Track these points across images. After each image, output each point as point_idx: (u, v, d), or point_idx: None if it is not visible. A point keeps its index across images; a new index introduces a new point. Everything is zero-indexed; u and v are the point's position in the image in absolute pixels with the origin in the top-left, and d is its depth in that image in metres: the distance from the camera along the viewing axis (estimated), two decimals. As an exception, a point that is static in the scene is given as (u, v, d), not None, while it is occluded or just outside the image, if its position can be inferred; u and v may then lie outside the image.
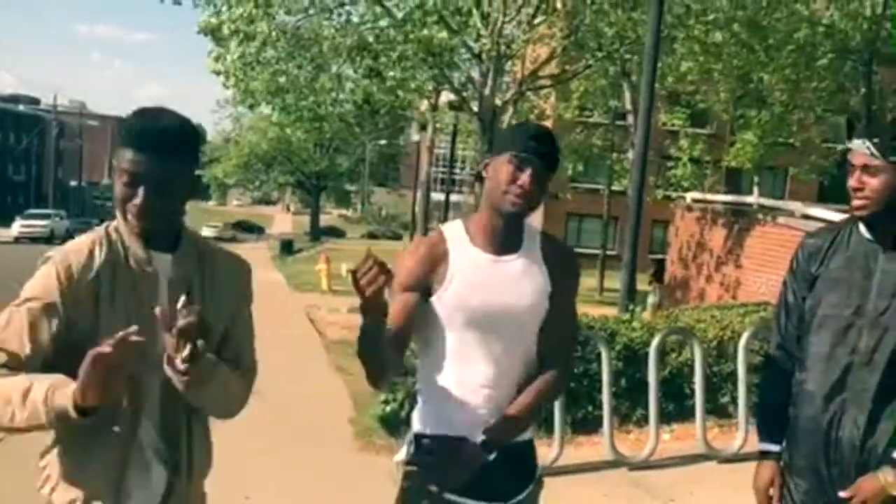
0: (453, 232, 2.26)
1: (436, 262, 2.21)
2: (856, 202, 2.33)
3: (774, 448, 2.52)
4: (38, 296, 1.86)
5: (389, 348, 2.08)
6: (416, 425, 2.29)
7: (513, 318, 2.20)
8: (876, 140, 2.30)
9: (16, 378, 1.78)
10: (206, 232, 52.41)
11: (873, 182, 2.30)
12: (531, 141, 2.15)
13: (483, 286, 2.19)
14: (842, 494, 2.32)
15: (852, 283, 2.36)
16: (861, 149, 2.31)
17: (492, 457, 2.14)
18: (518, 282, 2.22)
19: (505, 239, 2.22)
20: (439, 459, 2.13)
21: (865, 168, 2.30)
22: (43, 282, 1.87)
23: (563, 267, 2.27)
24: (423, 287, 2.19)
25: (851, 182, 2.33)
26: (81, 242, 1.94)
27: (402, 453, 2.28)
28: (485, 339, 2.18)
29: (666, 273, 16.22)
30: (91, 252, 1.91)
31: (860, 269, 2.36)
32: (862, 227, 2.40)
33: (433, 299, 2.18)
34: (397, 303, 2.16)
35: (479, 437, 2.13)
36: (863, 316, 2.33)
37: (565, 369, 2.37)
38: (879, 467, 2.30)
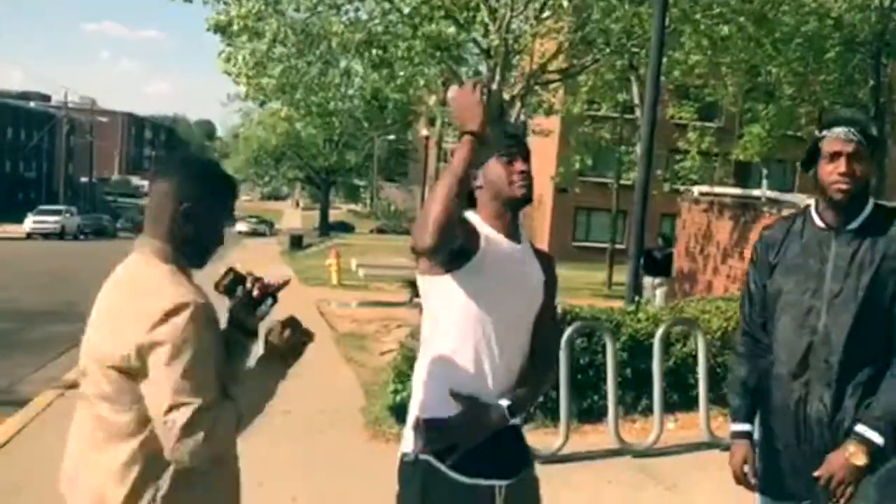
0: (469, 216, 2.35)
1: (466, 221, 2.29)
2: (844, 187, 2.42)
3: (746, 427, 2.65)
4: (203, 344, 1.97)
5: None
6: (426, 407, 2.30)
7: (523, 302, 2.35)
8: (860, 128, 2.41)
9: (243, 387, 2.11)
10: (242, 227, 53.88)
11: (861, 168, 2.41)
12: (508, 139, 2.41)
13: (507, 263, 2.33)
14: (815, 474, 2.44)
15: (809, 269, 2.49)
16: (848, 136, 2.40)
17: (513, 421, 2.29)
18: (527, 269, 2.38)
19: (512, 229, 2.38)
20: (466, 414, 2.24)
21: (853, 155, 2.40)
22: (198, 332, 1.96)
23: (547, 264, 2.47)
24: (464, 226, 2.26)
25: (842, 168, 2.40)
26: (186, 286, 2.02)
27: (409, 443, 2.31)
28: (500, 320, 2.29)
29: (672, 265, 16.20)
30: (200, 291, 2.03)
31: (815, 255, 2.49)
32: (815, 216, 2.53)
33: (483, 244, 2.27)
34: None
35: (505, 402, 2.27)
36: (820, 299, 2.45)
37: (556, 362, 2.62)
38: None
